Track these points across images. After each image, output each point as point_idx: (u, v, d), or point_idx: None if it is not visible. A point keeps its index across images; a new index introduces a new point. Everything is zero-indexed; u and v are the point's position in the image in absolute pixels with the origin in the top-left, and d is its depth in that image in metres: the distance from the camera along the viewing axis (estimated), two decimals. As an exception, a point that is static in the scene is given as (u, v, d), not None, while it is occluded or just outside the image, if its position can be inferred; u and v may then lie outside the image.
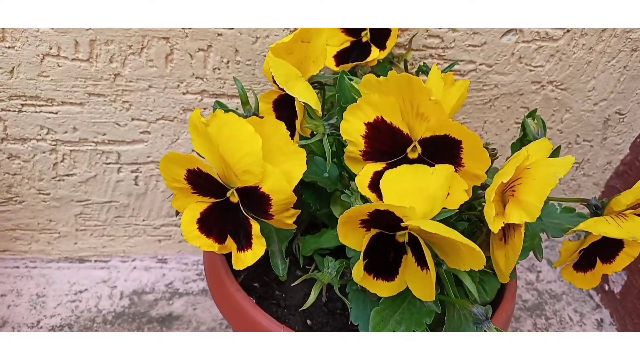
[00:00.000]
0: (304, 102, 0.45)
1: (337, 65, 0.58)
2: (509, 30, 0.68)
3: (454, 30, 0.67)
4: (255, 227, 0.43)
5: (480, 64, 0.71)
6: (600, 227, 0.47)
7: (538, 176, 0.38)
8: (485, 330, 0.39)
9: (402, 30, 0.66)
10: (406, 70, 0.60)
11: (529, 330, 0.88)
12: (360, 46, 0.58)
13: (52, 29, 0.59)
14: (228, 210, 0.45)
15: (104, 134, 0.69)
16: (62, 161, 0.71)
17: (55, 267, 0.82)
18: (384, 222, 0.39)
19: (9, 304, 0.76)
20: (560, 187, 0.91)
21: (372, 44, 0.57)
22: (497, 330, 0.40)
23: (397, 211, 0.37)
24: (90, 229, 0.80)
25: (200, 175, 0.43)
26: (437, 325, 0.44)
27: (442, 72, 0.58)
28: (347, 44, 0.59)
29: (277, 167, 0.42)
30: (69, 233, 0.79)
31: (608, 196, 0.53)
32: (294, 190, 0.42)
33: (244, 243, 0.44)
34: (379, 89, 0.42)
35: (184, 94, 0.67)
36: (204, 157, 0.43)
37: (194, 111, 0.42)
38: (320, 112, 0.46)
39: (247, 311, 0.48)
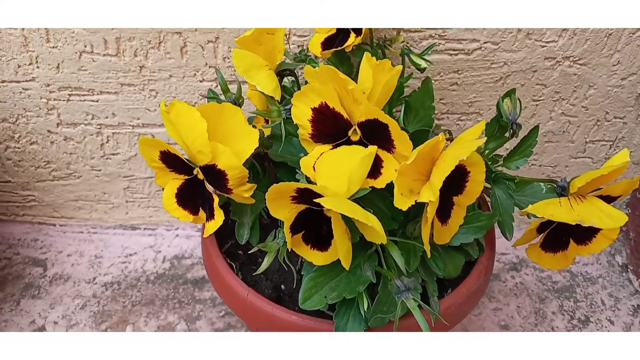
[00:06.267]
0: (261, 91, 0.50)
1: (323, 50, 0.62)
2: (512, 7, 0.67)
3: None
4: (216, 200, 0.50)
5: (484, 42, 0.71)
6: (548, 210, 0.47)
7: (446, 158, 0.40)
8: (403, 300, 0.42)
9: (397, 13, 0.68)
10: (383, 54, 0.62)
11: (553, 312, 0.86)
12: (343, 33, 0.61)
13: (84, 29, 0.69)
14: (197, 185, 0.51)
15: (138, 118, 0.79)
16: (107, 142, 0.82)
17: (112, 233, 0.95)
18: (312, 198, 0.43)
19: (73, 262, 0.90)
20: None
21: (351, 30, 0.60)
22: (415, 301, 0.42)
23: (315, 189, 0.41)
24: (138, 200, 0.91)
25: (171, 156, 0.50)
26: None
27: (421, 55, 0.60)
28: (334, 31, 0.63)
29: (233, 145, 0.48)
30: (120, 204, 0.92)
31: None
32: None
33: (209, 214, 0.51)
34: (317, 78, 0.45)
35: (200, 81, 0.75)
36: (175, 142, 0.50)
37: (161, 101, 0.49)
38: (278, 99, 0.51)
39: (222, 275, 0.55)
